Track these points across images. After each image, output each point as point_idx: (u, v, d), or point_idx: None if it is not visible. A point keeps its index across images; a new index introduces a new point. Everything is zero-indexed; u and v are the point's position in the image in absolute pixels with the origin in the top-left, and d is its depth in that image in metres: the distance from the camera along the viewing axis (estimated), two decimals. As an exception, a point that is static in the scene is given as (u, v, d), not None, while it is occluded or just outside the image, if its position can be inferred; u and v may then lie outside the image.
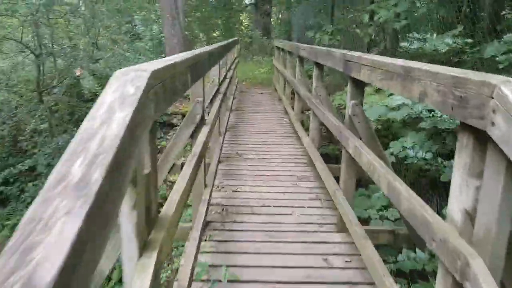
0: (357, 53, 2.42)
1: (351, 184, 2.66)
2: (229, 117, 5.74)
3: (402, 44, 3.12)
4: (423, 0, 4.49)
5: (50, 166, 7.02)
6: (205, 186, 2.79)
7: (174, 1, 14.82)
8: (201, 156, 2.33)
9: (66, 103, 7.23)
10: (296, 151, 4.59)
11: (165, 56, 17.24)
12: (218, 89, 3.96)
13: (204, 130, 2.52)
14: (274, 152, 4.55)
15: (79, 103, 7.28)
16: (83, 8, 9.84)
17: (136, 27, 23.34)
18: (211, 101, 3.75)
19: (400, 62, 1.70)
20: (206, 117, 2.81)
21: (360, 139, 2.48)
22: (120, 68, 1.07)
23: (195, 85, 2.43)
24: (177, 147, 2.41)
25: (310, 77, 7.68)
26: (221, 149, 4.10)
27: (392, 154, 3.76)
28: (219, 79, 3.99)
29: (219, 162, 4.04)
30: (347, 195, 2.64)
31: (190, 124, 2.48)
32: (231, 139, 5.11)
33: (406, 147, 3.72)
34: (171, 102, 1.35)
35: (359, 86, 2.48)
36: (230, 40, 6.99)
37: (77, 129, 0.70)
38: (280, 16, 21.42)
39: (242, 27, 21.37)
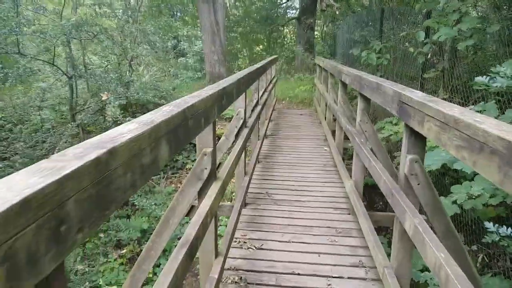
0: (418, 95, 1.77)
1: (406, 265, 1.99)
2: (261, 147, 5.21)
3: (478, 79, 2.40)
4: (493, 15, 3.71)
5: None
6: (216, 255, 2.23)
7: (214, 17, 14.73)
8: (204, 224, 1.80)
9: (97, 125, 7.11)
10: (336, 192, 3.93)
11: (205, 73, 17.22)
12: (244, 123, 3.43)
13: (211, 193, 1.98)
14: (310, 192, 3.92)
15: (96, 129, 7.12)
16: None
17: (181, 43, 23.85)
18: (234, 140, 3.24)
19: (497, 126, 1.06)
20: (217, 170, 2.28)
21: (420, 210, 1.82)
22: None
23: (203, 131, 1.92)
24: (180, 212, 1.89)
25: (354, 98, 7.01)
26: (246, 189, 3.56)
27: (455, 203, 3.02)
28: (245, 111, 3.47)
29: (244, 204, 3.50)
30: (400, 278, 1.97)
31: (195, 180, 1.96)
32: (262, 172, 4.55)
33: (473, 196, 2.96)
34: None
35: (420, 137, 1.83)
36: (266, 61, 6.49)
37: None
38: (325, 29, 20.80)
39: (285, 42, 20.98)
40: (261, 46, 21.79)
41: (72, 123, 7.38)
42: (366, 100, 3.10)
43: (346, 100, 4.59)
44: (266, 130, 6.44)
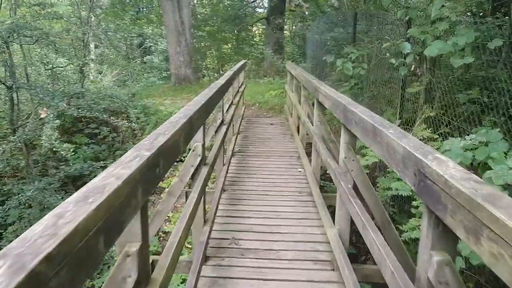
0: (457, 174, 1.15)
1: None
2: (227, 171, 4.55)
3: None
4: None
5: (23, 219, 5.92)
6: None
7: (179, 16, 13.83)
8: None
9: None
10: (315, 234, 3.32)
11: (170, 76, 16.23)
12: (202, 160, 2.76)
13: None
14: (284, 235, 3.30)
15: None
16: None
17: (147, 41, 22.62)
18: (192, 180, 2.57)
19: None
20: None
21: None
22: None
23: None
24: None
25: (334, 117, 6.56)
26: (207, 243, 2.89)
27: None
28: (203, 145, 2.79)
29: (204, 259, 2.83)
30: None
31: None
32: (229, 206, 3.89)
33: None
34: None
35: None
36: (232, 72, 5.85)
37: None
38: (293, 29, 20.33)
39: (254, 42, 20.33)
40: (229, 45, 21.03)
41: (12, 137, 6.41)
42: (353, 134, 2.51)
43: (324, 121, 4.00)
44: (234, 147, 5.78)
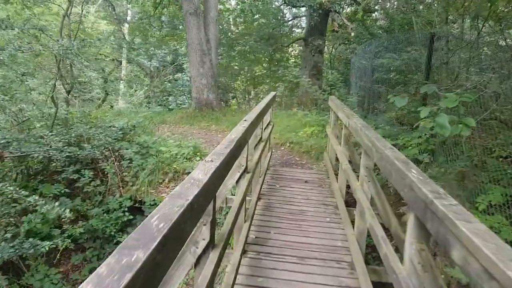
0: None
1: None
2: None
3: None
4: None
5: None
6: None
7: (204, 34, 12.13)
8: None
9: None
10: None
11: (191, 100, 14.49)
12: None
13: None
14: None
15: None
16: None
17: (179, 58, 21.29)
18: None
19: None
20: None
21: None
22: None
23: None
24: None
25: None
26: None
27: None
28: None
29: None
30: None
31: None
32: None
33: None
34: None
35: None
36: (256, 113, 3.86)
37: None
38: (333, 52, 18.22)
39: (288, 64, 18.43)
40: (261, 67, 19.26)
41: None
42: None
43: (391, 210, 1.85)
44: (248, 231, 3.69)
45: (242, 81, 19.07)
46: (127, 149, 6.43)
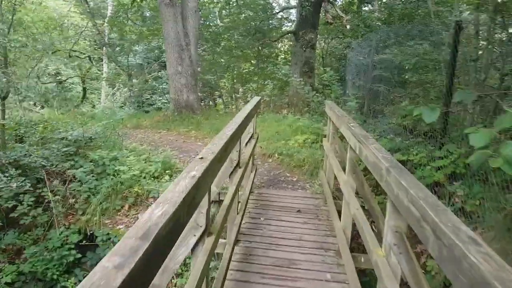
0: None
1: None
2: None
3: None
4: None
5: None
6: None
7: (182, 27, 10.83)
8: None
9: None
10: None
11: (169, 103, 13.18)
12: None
13: None
14: None
15: None
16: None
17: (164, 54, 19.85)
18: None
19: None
20: None
21: None
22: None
23: None
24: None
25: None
26: None
27: None
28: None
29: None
30: None
31: None
32: None
33: None
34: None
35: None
36: (232, 130, 2.69)
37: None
38: (324, 46, 17.00)
39: (278, 61, 17.20)
40: (249, 65, 17.99)
41: None
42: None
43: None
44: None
45: (228, 79, 17.80)
46: (76, 168, 5.18)
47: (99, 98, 24.93)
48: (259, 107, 5.14)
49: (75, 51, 18.02)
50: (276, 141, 7.58)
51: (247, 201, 4.34)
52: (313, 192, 5.12)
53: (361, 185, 3.23)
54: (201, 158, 1.97)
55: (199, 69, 15.84)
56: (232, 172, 3.37)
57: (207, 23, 17.39)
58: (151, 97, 18.71)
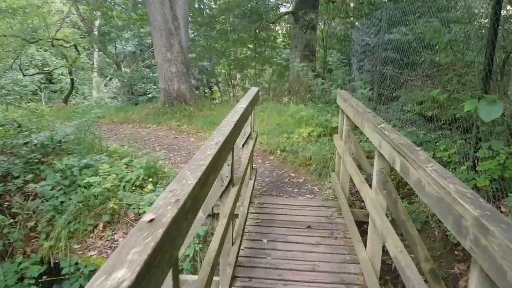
0: None
1: None
2: None
3: None
4: None
5: None
6: None
7: (170, 10, 9.83)
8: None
9: None
10: None
11: (157, 94, 12.22)
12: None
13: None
14: None
15: None
16: None
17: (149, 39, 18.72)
18: None
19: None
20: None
21: None
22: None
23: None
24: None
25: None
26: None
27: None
28: None
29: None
30: None
31: None
32: None
33: None
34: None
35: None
36: (224, 133, 1.85)
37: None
38: (324, 28, 15.91)
39: (276, 44, 16.14)
40: (246, 49, 16.95)
41: None
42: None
43: None
44: None
45: (224, 65, 16.80)
46: (42, 179, 4.34)
47: (91, 90, 23.92)
48: (258, 99, 4.25)
49: (58, 39, 16.92)
50: (278, 134, 6.72)
51: (246, 218, 3.52)
52: (324, 199, 4.29)
53: (393, 204, 2.41)
54: (177, 200, 1.16)
55: (192, 55, 14.88)
56: (223, 193, 2.53)
57: (200, 5, 16.28)
58: (144, 86, 17.75)
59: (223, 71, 17.56)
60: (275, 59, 14.63)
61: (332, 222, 3.68)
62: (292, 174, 5.42)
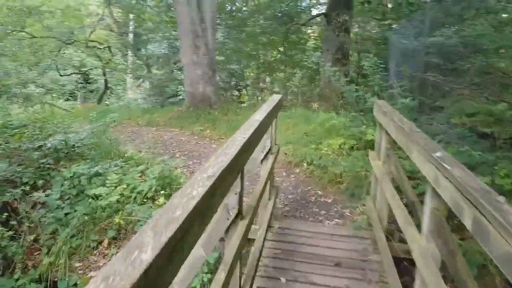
0: None
1: None
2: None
3: None
4: None
5: None
6: None
7: (197, 11, 9.51)
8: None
9: None
10: None
11: (182, 96, 11.96)
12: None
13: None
14: None
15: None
16: None
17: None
18: None
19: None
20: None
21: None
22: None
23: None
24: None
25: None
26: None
27: None
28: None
29: None
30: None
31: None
32: None
33: None
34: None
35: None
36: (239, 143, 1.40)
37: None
38: (357, 30, 15.13)
39: (307, 47, 15.53)
40: (276, 52, 16.44)
41: None
42: None
43: None
44: None
45: (253, 68, 16.39)
46: (45, 191, 4.04)
47: (126, 91, 24.23)
48: (279, 109, 3.73)
49: (93, 41, 17.15)
50: (305, 145, 6.18)
51: (262, 247, 3.03)
52: (356, 227, 3.71)
53: (451, 257, 1.83)
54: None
55: (221, 57, 14.55)
56: (229, 227, 2.06)
57: (232, 7, 15.96)
58: (175, 88, 17.62)
59: (252, 74, 17.13)
60: (305, 63, 14.04)
61: (366, 260, 3.11)
62: (320, 192, 4.87)
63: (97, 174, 4.32)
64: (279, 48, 15.70)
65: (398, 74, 8.21)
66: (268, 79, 17.79)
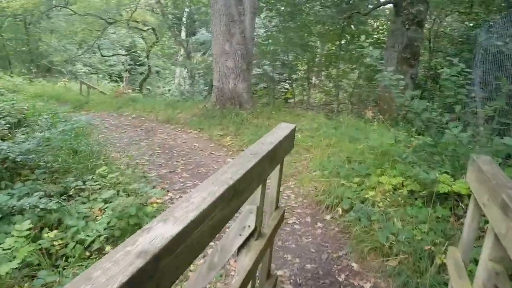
0: None
1: None
2: None
3: None
4: None
5: None
6: None
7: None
8: None
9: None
10: None
11: (209, 92, 10.31)
12: None
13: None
14: None
15: None
16: None
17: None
18: None
19: None
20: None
21: None
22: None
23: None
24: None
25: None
26: None
27: None
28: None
29: None
30: None
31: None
32: None
33: None
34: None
35: None
36: None
37: None
38: (434, 26, 12.54)
39: (369, 41, 13.30)
40: (331, 45, 14.40)
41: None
42: None
43: None
44: None
45: (302, 62, 14.54)
46: None
47: (174, 76, 23.55)
48: (285, 150, 2.04)
49: (137, 21, 16.32)
50: (345, 177, 4.43)
51: None
52: None
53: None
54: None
55: (267, 48, 12.94)
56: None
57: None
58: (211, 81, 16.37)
59: (301, 68, 15.27)
60: (363, 61, 11.94)
61: None
62: (354, 266, 3.16)
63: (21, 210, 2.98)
64: (336, 42, 13.65)
65: (485, 84, 6.10)
66: (323, 73, 15.80)
